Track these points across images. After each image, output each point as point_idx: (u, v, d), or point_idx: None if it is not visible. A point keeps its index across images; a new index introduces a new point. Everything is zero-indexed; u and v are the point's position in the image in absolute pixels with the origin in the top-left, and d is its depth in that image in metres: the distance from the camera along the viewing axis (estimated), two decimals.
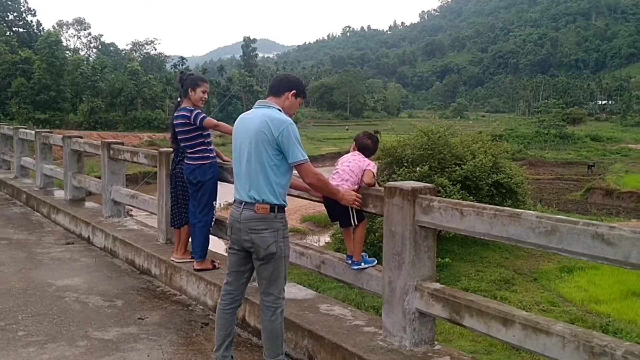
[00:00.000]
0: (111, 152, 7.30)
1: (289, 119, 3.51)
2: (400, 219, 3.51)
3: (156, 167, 6.18)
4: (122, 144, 7.49)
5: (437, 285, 3.49)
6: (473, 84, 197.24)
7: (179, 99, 5.44)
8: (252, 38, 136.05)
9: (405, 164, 23.10)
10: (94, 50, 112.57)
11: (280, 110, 3.53)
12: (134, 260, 6.16)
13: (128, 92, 76.36)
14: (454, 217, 3.25)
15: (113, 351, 4.05)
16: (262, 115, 3.47)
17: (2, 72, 71.48)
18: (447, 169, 22.98)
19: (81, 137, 8.61)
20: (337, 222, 4.12)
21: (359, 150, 4.05)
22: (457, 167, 22.85)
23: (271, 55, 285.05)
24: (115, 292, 5.36)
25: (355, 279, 3.98)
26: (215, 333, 3.69)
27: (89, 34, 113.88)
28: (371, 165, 3.95)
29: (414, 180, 22.64)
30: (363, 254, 3.98)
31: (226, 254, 5.67)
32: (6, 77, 71.30)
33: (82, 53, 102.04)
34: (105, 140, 7.65)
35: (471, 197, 22.60)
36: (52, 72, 72.23)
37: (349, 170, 3.92)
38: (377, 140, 4.11)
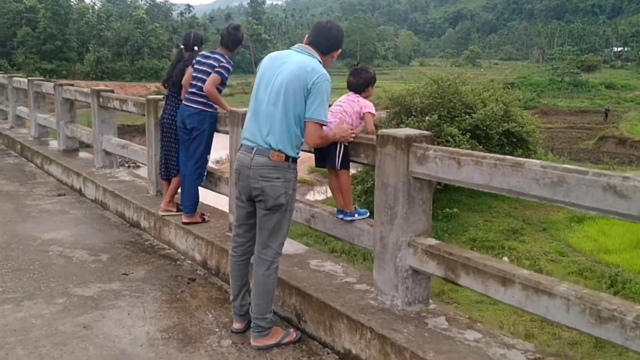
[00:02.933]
0: (100, 100, 6.99)
1: (328, 75, 3.23)
2: (393, 169, 3.21)
3: (144, 115, 5.88)
4: (112, 91, 7.17)
5: (432, 241, 3.21)
6: (486, 31, 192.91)
7: (181, 47, 5.22)
8: None
9: (414, 113, 22.65)
10: None
11: (320, 63, 3.26)
12: (124, 213, 5.93)
13: (134, 42, 75.41)
14: (451, 167, 2.94)
15: (92, 309, 3.85)
16: (302, 62, 3.19)
17: (7, 22, 70.63)
18: (456, 118, 22.52)
19: (72, 85, 8.29)
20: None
21: (351, 90, 3.74)
22: (467, 116, 22.38)
23: (280, 2, 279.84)
24: (101, 246, 5.15)
25: (345, 234, 3.72)
26: (231, 284, 3.51)
27: None
28: (368, 107, 3.65)
29: (423, 129, 22.29)
30: (355, 207, 3.71)
31: (215, 206, 5.48)
32: (11, 27, 70.53)
33: (87, 1, 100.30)
34: (94, 87, 7.33)
35: (481, 147, 22.21)
36: (57, 20, 71.35)
37: (342, 110, 3.62)
38: (358, 73, 3.77)
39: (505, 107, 22.88)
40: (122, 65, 74.00)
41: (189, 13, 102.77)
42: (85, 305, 3.91)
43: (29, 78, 10.01)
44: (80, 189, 7.02)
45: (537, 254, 18.20)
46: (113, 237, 5.44)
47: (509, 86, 31.06)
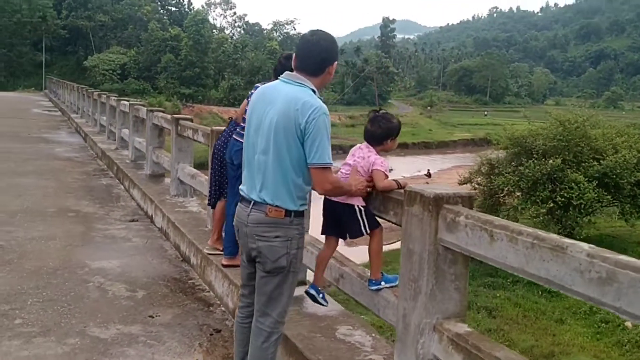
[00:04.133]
0: (178, 128, 6.92)
1: (325, 106, 2.72)
2: (419, 234, 2.63)
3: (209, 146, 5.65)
4: (191, 120, 7.08)
5: (462, 328, 2.58)
6: (631, 72, 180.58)
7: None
8: (391, 19, 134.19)
9: (535, 155, 21.14)
10: (238, 29, 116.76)
11: (314, 92, 2.76)
12: (180, 246, 5.71)
13: (266, 71, 78.38)
14: (482, 240, 2.32)
15: (99, 355, 3.56)
16: (291, 96, 2.70)
17: (153, 48, 76.12)
18: (583, 164, 20.73)
19: (163, 111, 8.36)
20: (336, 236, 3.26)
21: (368, 142, 3.17)
22: (595, 163, 20.54)
23: (411, 37, 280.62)
24: (143, 282, 4.92)
25: (371, 302, 3.15)
26: (234, 347, 3.08)
27: (234, 13, 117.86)
28: (377, 163, 3.07)
29: (543, 174, 20.71)
30: (383, 273, 3.14)
31: None
32: (157, 53, 75.89)
33: (227, 32, 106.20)
34: (175, 115, 7.29)
35: (609, 197, 20.28)
36: (198, 49, 75.86)
37: (357, 166, 3.09)
38: (378, 121, 3.16)
39: (639, 154, 20.77)
40: None
41: None
42: (93, 349, 3.63)
43: (131, 102, 10.33)
44: (152, 215, 6.95)
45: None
46: (160, 272, 5.20)
47: None
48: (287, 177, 2.69)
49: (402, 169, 50.22)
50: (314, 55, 2.79)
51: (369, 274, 3.23)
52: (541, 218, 20.20)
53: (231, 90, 76.05)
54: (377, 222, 3.11)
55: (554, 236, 2.08)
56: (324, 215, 3.20)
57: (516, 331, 16.00)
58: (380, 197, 3.03)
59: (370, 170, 3.04)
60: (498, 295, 18.03)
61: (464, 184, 24.22)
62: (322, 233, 3.25)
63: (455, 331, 2.54)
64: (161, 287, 4.81)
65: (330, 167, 2.72)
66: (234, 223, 2.93)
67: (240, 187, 2.89)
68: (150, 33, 76.15)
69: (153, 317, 4.19)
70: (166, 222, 6.28)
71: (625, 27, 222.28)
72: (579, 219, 20.91)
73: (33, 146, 12.79)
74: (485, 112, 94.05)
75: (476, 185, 23.83)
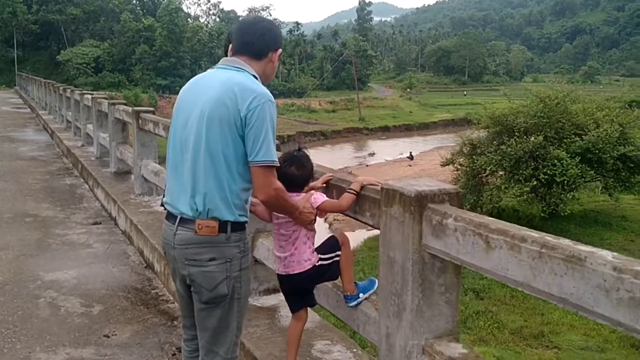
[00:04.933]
0: (140, 121, 6.42)
1: (269, 93, 2.26)
2: (401, 240, 2.21)
3: None
4: (153, 112, 6.59)
5: (457, 349, 2.16)
6: (607, 46, 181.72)
7: None
8: (367, 1, 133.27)
9: (517, 133, 20.88)
10: (213, 17, 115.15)
11: (256, 78, 2.31)
12: (143, 251, 5.25)
13: None
14: (476, 247, 1.90)
15: None
16: (228, 81, 2.23)
17: (127, 40, 74.71)
18: (565, 140, 20.54)
19: (125, 104, 7.84)
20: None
21: (287, 189, 2.40)
22: (577, 138, 20.34)
23: (388, 19, 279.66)
24: (101, 294, 4.45)
25: (349, 317, 2.72)
26: None
27: (208, 0, 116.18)
28: (318, 200, 2.51)
29: (526, 152, 20.41)
30: (360, 283, 2.71)
31: None
32: (130, 45, 74.51)
33: (201, 20, 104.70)
34: (136, 108, 6.78)
35: (592, 172, 20.12)
36: (173, 39, 74.62)
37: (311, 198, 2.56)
38: (303, 163, 2.54)
39: (621, 128, 20.58)
40: None
41: (297, 30, 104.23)
42: None
43: (93, 96, 9.77)
44: (115, 217, 6.47)
45: None
46: (121, 282, 4.74)
47: (629, 105, 28.16)
48: (222, 180, 2.21)
49: (384, 152, 50.00)
50: (257, 34, 2.36)
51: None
52: (525, 197, 19.99)
53: None
54: (332, 239, 2.69)
55: (567, 242, 1.67)
56: (284, 292, 2.74)
57: (504, 312, 15.77)
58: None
59: (315, 210, 2.54)
60: (485, 276, 17.76)
61: (446, 165, 23.93)
62: (292, 312, 2.76)
63: (449, 354, 2.12)
64: (120, 300, 4.35)
65: (273, 165, 2.23)
66: (161, 244, 2.44)
67: (164, 199, 2.40)
68: (123, 24, 74.72)
69: (109, 337, 3.73)
70: (129, 225, 5.81)
71: (599, 1, 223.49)
72: (562, 195, 20.73)
73: None
74: (465, 92, 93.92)
75: (458, 166, 23.55)
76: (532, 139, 20.31)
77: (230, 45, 2.43)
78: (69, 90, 13.07)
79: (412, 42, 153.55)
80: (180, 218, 2.26)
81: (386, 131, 64.16)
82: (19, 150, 11.72)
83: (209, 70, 2.41)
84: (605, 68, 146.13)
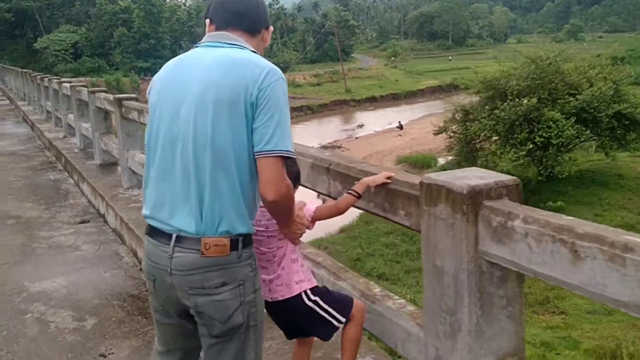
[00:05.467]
0: (122, 110, 5.96)
1: (279, 69, 1.85)
2: (451, 246, 1.82)
3: None
4: (136, 99, 6.12)
5: None
6: (589, 3, 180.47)
7: None
8: None
9: (509, 97, 20.52)
10: None
11: (256, 54, 1.89)
12: (137, 251, 4.83)
13: None
14: (557, 257, 1.51)
15: None
16: (225, 59, 1.81)
17: (104, 24, 73.10)
18: (559, 101, 20.21)
19: (105, 92, 7.35)
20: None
21: None
22: (572, 98, 20.02)
23: None
24: (94, 304, 4.05)
25: (383, 331, 2.33)
26: None
27: None
28: (310, 209, 2.13)
29: (520, 115, 20.00)
30: None
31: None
32: (108, 28, 72.93)
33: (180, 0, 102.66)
34: (117, 96, 6.29)
35: (588, 132, 19.83)
36: (151, 20, 73.07)
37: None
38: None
39: (615, 85, 20.26)
40: None
41: (277, 4, 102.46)
42: None
43: (72, 84, 9.24)
44: (104, 214, 6.03)
45: None
46: (114, 288, 4.33)
47: (618, 61, 27.79)
48: (235, 183, 1.78)
49: (373, 123, 49.42)
50: (249, 5, 1.96)
51: (375, 290, 2.43)
52: (521, 161, 19.70)
53: None
54: (347, 299, 2.23)
55: None
56: (276, 321, 2.30)
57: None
58: (384, 190, 2.19)
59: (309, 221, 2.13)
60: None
61: (439, 133, 23.59)
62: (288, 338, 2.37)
63: None
64: (116, 310, 3.95)
65: (288, 156, 1.81)
66: (144, 268, 1.98)
67: (146, 212, 1.93)
68: (99, 8, 73.04)
69: (105, 357, 3.34)
70: (119, 222, 5.38)
71: None
72: (559, 157, 20.47)
73: None
74: (450, 57, 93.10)
75: (451, 134, 23.20)
76: (526, 101, 19.98)
77: (209, 20, 2.00)
78: (46, 80, 12.49)
79: (393, 9, 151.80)
80: (177, 236, 1.82)
81: (373, 102, 63.48)
82: None
83: (191, 50, 1.98)
84: (588, 25, 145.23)
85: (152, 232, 1.90)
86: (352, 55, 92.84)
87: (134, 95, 6.33)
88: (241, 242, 1.83)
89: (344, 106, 61.56)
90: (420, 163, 28.17)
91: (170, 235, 1.83)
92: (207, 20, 2.00)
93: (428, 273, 1.93)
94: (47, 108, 12.82)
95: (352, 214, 19.52)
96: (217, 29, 1.95)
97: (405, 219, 2.09)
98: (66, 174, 8.38)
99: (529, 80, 20.74)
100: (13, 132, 13.22)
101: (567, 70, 21.16)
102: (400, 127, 42.82)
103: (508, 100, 20.33)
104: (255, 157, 1.78)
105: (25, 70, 18.75)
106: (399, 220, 2.13)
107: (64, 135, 10.25)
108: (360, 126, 49.13)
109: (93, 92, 7.48)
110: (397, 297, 2.41)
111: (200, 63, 1.85)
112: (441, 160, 28.58)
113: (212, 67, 1.81)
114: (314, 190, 2.66)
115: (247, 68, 1.77)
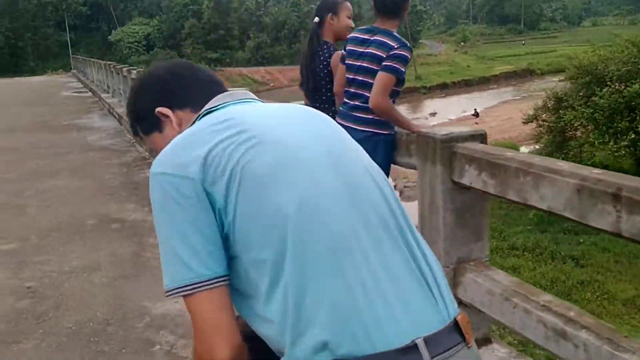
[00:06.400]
0: None
1: None
2: None
3: None
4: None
5: None
6: None
7: (315, 21, 3.48)
8: None
9: (609, 82, 19.01)
10: None
11: None
12: None
13: (291, 25, 75.97)
14: None
15: None
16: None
17: (175, 15, 74.39)
18: None
19: None
20: None
21: None
22: None
23: None
24: None
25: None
26: None
27: None
28: None
29: (620, 103, 18.48)
30: None
31: None
32: (179, 20, 74.15)
33: None
34: None
35: None
36: (220, 10, 73.77)
37: None
38: None
39: None
40: (281, 50, 74.97)
41: None
42: None
43: (137, 69, 8.80)
44: None
45: None
46: None
47: None
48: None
49: (446, 111, 47.93)
50: None
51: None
52: (622, 152, 18.26)
53: (258, 49, 74.17)
54: None
55: None
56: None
57: (612, 281, 14.36)
58: None
59: None
60: (582, 240, 16.36)
61: (529, 122, 22.33)
62: None
63: None
64: None
65: None
66: None
67: (323, 339, 1.06)
68: (170, 0, 74.35)
69: None
70: None
71: None
72: None
73: (64, 136, 11.47)
74: (523, 42, 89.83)
75: (541, 122, 21.89)
76: (627, 87, 18.47)
77: None
78: (134, 72, 12.21)
79: None
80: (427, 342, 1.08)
81: (444, 88, 61.83)
82: (88, 140, 10.98)
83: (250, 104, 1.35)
84: None
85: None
86: (420, 41, 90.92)
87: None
88: None
89: (414, 93, 60.10)
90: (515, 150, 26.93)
91: (415, 346, 1.12)
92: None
93: None
94: None
95: None
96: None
97: None
98: None
99: (630, 65, 19.18)
100: (100, 125, 13.06)
101: None
102: (477, 114, 41.29)
103: (607, 86, 18.85)
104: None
105: (109, 62, 18.73)
106: None
107: None
108: (433, 114, 47.70)
109: None
110: None
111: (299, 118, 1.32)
112: (524, 150, 27.17)
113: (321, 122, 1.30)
114: None
115: None
